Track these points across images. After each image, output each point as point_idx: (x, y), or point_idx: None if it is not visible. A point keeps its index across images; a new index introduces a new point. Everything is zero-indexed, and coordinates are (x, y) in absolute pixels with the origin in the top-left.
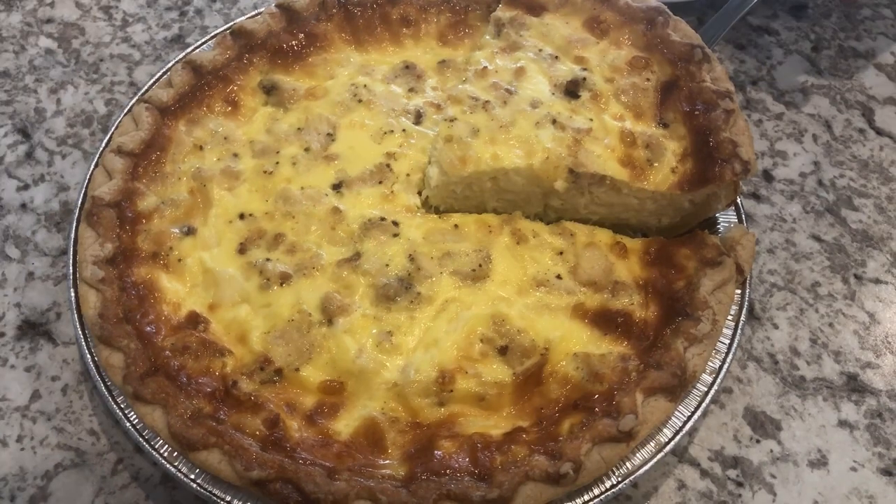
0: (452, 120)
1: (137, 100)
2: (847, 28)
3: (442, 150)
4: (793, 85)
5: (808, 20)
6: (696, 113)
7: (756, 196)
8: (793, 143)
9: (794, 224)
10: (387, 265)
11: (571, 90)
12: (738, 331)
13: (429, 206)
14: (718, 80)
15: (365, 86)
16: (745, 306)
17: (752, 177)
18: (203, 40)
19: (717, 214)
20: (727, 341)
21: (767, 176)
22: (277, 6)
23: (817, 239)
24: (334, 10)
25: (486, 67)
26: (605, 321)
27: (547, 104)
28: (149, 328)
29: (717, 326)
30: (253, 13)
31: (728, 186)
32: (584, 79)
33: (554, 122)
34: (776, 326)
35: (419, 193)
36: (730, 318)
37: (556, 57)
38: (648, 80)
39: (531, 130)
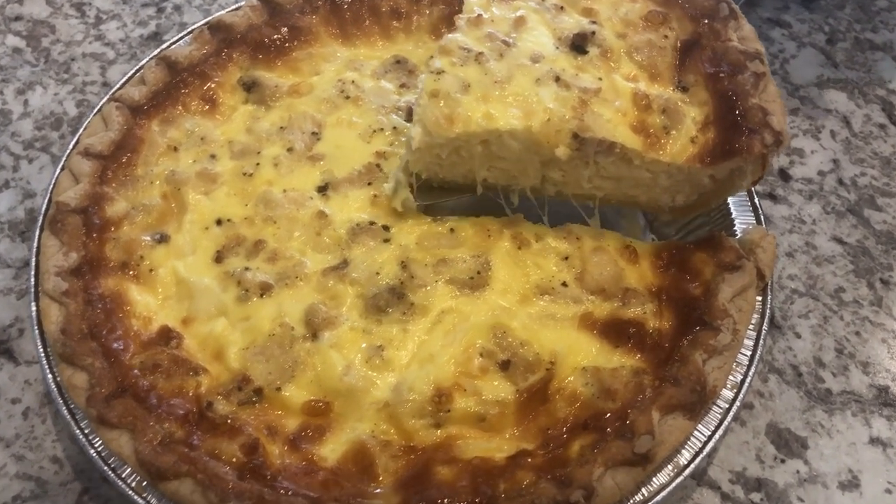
0: (440, 72)
1: (108, 99)
2: (862, 19)
3: (426, 107)
4: (807, 79)
5: (821, 11)
6: (721, 75)
7: (773, 196)
8: (810, 139)
9: (814, 226)
10: (377, 273)
11: (578, 45)
12: (761, 341)
13: (414, 206)
14: (746, 39)
15: (353, 82)
16: (767, 314)
17: (784, 151)
18: (179, 35)
19: (733, 216)
20: (748, 353)
21: (784, 175)
22: None
23: (839, 241)
24: (320, 2)
25: (480, 16)
26: (616, 332)
27: (549, 59)
28: (116, 345)
29: (738, 336)
30: (234, 7)
31: (756, 161)
32: (593, 33)
33: (557, 79)
34: (798, 335)
35: (411, 191)
36: (750, 327)
37: (562, 7)
38: (666, 37)
39: (531, 88)
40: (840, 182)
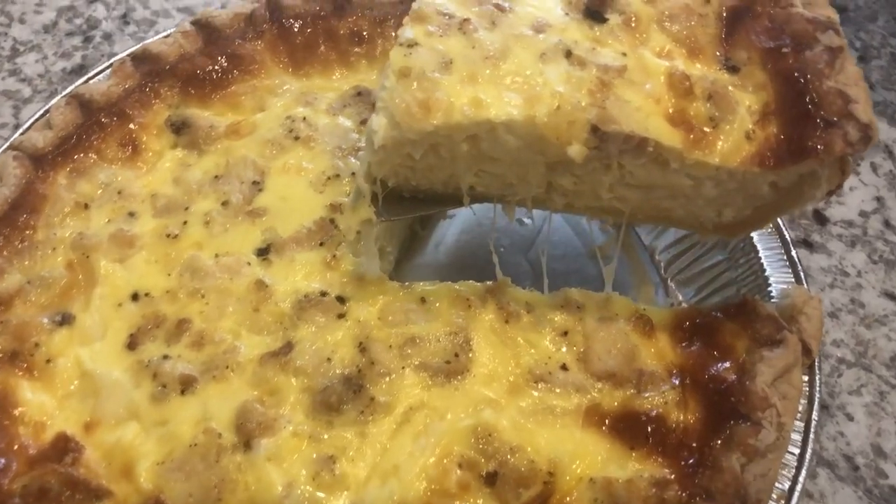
0: (412, 45)
1: (6, 147)
2: None
3: (394, 90)
4: None
5: (850, 24)
6: (783, 51)
7: (808, 244)
8: None
9: (859, 278)
10: (328, 359)
11: (594, 10)
12: (811, 435)
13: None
14: (814, 3)
15: (304, 119)
16: (817, 399)
17: (869, 147)
18: (100, 69)
19: (767, 272)
20: (796, 450)
21: (820, 217)
22: (193, 23)
23: (891, 297)
24: (265, 26)
25: None
26: (631, 428)
27: (557, 28)
28: None
29: (783, 432)
30: (165, 34)
31: (833, 164)
32: None
33: (568, 54)
34: (850, 418)
35: (375, 203)
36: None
37: None
38: (708, 1)
39: (533, 65)
40: (887, 224)
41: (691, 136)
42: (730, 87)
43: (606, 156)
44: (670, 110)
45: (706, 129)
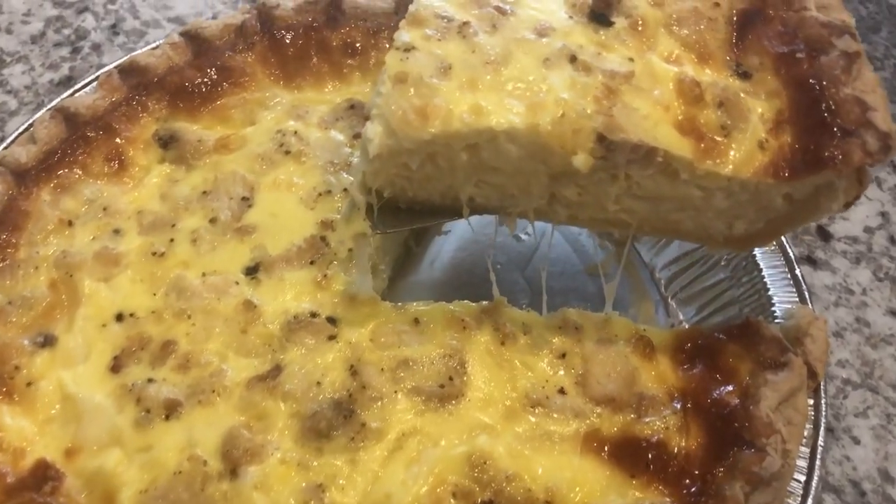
0: (409, 49)
1: None
2: None
3: (390, 97)
4: None
5: None
6: (797, 57)
7: (811, 260)
8: None
9: (864, 296)
10: (318, 383)
11: (600, 13)
12: (818, 461)
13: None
14: (828, 7)
15: (295, 133)
16: (823, 423)
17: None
18: (87, 80)
19: (770, 291)
20: (802, 477)
21: (824, 233)
22: (182, 34)
23: None
24: (256, 38)
25: None
26: (631, 455)
27: (561, 32)
28: None
29: (789, 459)
30: (154, 45)
31: (851, 175)
32: None
33: (573, 59)
34: (857, 441)
35: (370, 215)
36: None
37: None
38: (718, 4)
39: (536, 71)
40: (892, 240)
41: (702, 146)
42: (741, 94)
43: (613, 166)
44: (680, 118)
45: (717, 138)
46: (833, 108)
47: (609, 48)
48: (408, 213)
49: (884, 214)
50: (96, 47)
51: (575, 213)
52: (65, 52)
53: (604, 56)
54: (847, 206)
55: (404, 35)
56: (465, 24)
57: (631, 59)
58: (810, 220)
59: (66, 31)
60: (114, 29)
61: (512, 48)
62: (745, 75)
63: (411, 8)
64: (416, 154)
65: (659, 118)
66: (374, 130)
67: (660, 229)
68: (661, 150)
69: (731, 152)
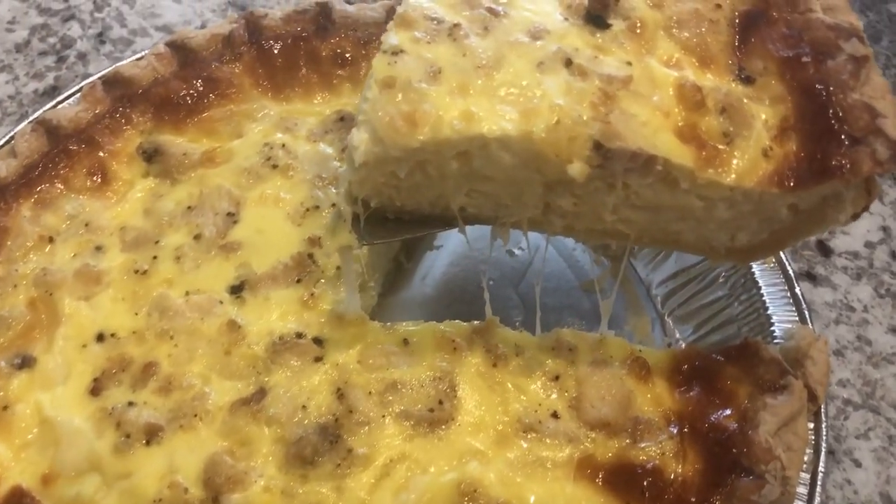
0: (397, 52)
1: None
2: None
3: (377, 102)
4: None
5: None
6: (803, 61)
7: (811, 276)
8: None
9: (865, 314)
10: (303, 407)
11: (596, 15)
12: (818, 487)
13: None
14: (835, 9)
15: (283, 146)
16: (823, 448)
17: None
18: (71, 91)
19: (769, 310)
20: None
21: (824, 249)
22: (168, 44)
23: None
24: (243, 48)
25: None
26: (626, 481)
27: (556, 35)
28: None
29: (788, 487)
30: (140, 55)
31: (859, 184)
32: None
33: (568, 63)
34: (858, 464)
35: (356, 224)
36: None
37: None
38: (719, 6)
39: (530, 75)
40: (893, 255)
41: (703, 154)
42: (745, 100)
43: (610, 175)
44: (680, 125)
45: (719, 146)
46: (840, 114)
47: (606, 51)
48: (396, 223)
49: (885, 229)
50: (82, 56)
51: (571, 224)
52: (50, 61)
53: (600, 60)
54: (855, 217)
55: (392, 37)
56: (456, 26)
57: (629, 63)
58: (816, 231)
59: (52, 40)
60: (100, 37)
61: (505, 51)
62: (748, 80)
63: (399, 9)
64: (405, 162)
65: (658, 125)
66: (360, 137)
67: (659, 240)
68: (661, 158)
69: (734, 161)
